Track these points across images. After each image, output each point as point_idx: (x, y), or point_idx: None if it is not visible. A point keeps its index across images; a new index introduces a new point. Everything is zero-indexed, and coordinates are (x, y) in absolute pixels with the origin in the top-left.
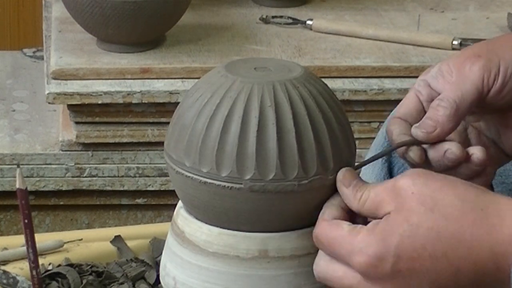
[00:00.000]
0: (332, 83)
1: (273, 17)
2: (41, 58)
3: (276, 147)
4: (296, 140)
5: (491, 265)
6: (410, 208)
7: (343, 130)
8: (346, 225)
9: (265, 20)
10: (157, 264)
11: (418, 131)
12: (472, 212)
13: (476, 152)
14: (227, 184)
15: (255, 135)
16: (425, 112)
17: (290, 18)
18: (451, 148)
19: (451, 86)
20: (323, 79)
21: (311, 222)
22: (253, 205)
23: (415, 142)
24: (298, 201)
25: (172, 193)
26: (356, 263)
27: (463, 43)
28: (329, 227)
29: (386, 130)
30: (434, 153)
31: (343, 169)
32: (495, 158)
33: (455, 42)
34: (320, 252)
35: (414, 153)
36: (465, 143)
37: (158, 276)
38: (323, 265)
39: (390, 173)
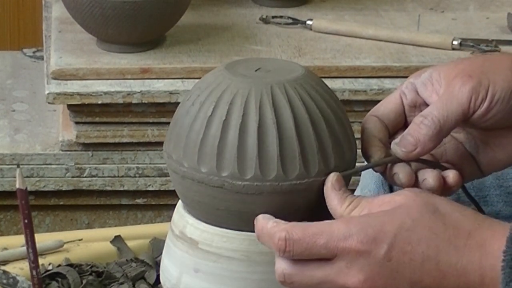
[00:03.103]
0: (332, 83)
1: (273, 17)
2: (41, 58)
3: (277, 147)
4: (298, 141)
5: (477, 278)
6: (412, 206)
7: (344, 130)
8: (319, 223)
9: (265, 20)
10: (157, 264)
11: (398, 149)
12: (469, 224)
13: (428, 178)
14: (227, 185)
15: (255, 136)
16: (404, 116)
17: (290, 18)
18: (398, 174)
19: (437, 102)
20: (323, 79)
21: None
22: (253, 205)
23: (395, 160)
24: (300, 201)
25: (172, 193)
26: (347, 247)
27: (463, 43)
28: (299, 225)
29: (361, 127)
30: (387, 171)
31: (334, 173)
32: (468, 172)
33: (455, 42)
34: (278, 256)
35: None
36: (441, 152)
37: (158, 276)
38: (287, 265)
39: None
